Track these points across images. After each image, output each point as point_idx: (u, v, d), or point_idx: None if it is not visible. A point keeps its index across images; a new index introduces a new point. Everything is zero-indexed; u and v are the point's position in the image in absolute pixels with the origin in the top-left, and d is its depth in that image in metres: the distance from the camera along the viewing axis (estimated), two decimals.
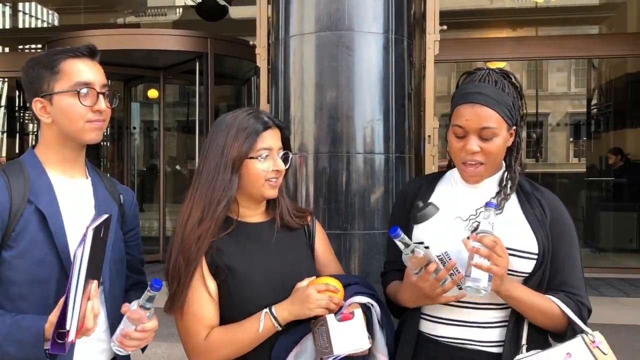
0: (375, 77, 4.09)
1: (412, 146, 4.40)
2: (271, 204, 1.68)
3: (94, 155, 9.75)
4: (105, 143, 9.80)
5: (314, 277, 1.57)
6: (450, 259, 1.45)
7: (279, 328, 1.48)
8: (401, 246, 1.39)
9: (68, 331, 1.21)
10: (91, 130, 1.50)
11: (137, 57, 6.99)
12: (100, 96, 1.49)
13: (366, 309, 1.52)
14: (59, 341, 1.22)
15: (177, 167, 8.39)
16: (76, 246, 1.26)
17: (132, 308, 1.38)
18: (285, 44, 4.20)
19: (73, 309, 1.21)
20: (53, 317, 1.27)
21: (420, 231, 1.60)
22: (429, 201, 1.56)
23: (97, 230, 1.26)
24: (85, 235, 1.25)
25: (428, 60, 4.42)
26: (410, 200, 1.69)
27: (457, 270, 1.44)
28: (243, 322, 1.51)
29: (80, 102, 1.46)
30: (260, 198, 1.61)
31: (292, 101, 4.24)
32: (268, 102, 4.51)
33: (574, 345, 1.43)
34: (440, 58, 4.50)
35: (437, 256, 1.46)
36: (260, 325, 1.47)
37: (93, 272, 1.30)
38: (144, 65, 7.39)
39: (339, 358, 1.43)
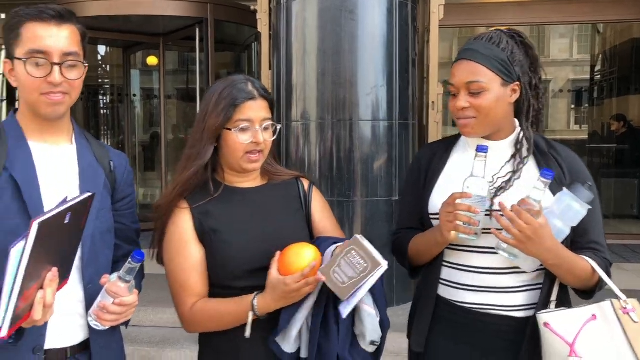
0: (378, 43, 4.03)
1: (416, 113, 4.37)
2: (260, 170, 1.67)
3: (94, 123, 9.71)
4: (105, 111, 9.75)
5: (278, 254, 1.48)
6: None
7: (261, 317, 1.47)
8: (540, 187, 1.39)
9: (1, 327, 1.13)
10: (47, 105, 1.37)
11: (137, 23, 6.88)
12: (56, 67, 1.34)
13: None
14: None
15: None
16: (16, 241, 1.15)
17: (111, 280, 1.32)
18: (288, 9, 4.13)
19: (7, 308, 1.13)
20: None
21: (440, 204, 1.56)
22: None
23: (45, 224, 1.14)
24: (29, 229, 1.12)
25: (432, 25, 4.35)
26: (424, 167, 1.67)
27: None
28: (226, 303, 1.50)
29: (28, 73, 1.34)
30: (239, 170, 1.59)
31: (294, 67, 4.19)
32: (270, 69, 4.46)
33: (601, 308, 1.42)
34: (443, 23, 4.43)
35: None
36: (248, 326, 1.45)
37: (52, 260, 1.21)
38: (143, 32, 7.27)
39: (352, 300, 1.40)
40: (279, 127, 1.60)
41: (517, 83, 1.53)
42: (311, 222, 1.67)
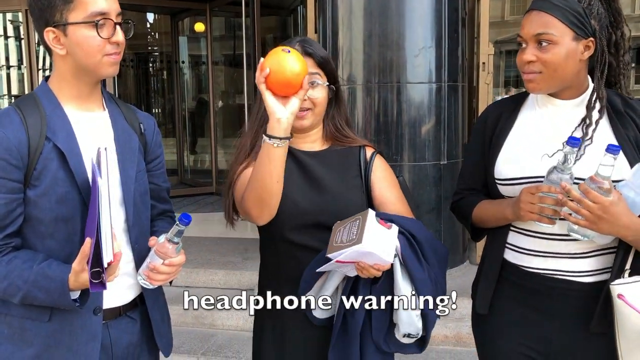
0: (426, 2, 3.91)
1: (466, 74, 4.26)
2: (323, 134, 1.65)
3: (144, 90, 9.90)
4: (155, 78, 9.91)
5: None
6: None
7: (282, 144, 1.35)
8: (608, 162, 1.29)
9: (103, 266, 1.20)
10: (109, 65, 1.42)
11: None
12: (118, 27, 1.39)
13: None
14: (95, 281, 1.22)
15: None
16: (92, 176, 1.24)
17: (159, 241, 1.37)
18: None
19: (105, 238, 1.20)
20: (77, 265, 1.26)
21: (507, 170, 1.53)
22: None
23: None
24: (99, 157, 1.25)
25: None
26: (490, 126, 1.61)
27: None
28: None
29: (98, 35, 1.37)
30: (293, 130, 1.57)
31: (340, 30, 4.13)
32: (315, 32, 4.41)
33: None
34: None
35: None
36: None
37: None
38: None
39: (340, 268, 1.39)
40: (319, 82, 1.58)
41: (592, 39, 1.43)
42: (371, 192, 1.62)
